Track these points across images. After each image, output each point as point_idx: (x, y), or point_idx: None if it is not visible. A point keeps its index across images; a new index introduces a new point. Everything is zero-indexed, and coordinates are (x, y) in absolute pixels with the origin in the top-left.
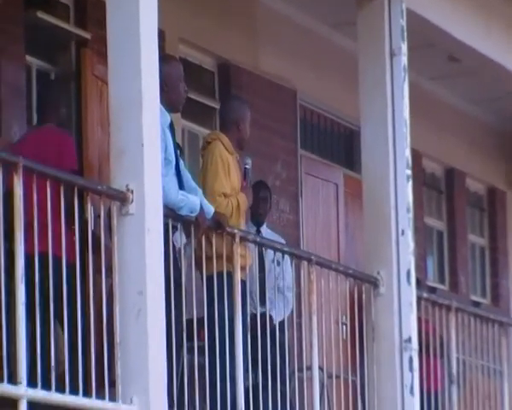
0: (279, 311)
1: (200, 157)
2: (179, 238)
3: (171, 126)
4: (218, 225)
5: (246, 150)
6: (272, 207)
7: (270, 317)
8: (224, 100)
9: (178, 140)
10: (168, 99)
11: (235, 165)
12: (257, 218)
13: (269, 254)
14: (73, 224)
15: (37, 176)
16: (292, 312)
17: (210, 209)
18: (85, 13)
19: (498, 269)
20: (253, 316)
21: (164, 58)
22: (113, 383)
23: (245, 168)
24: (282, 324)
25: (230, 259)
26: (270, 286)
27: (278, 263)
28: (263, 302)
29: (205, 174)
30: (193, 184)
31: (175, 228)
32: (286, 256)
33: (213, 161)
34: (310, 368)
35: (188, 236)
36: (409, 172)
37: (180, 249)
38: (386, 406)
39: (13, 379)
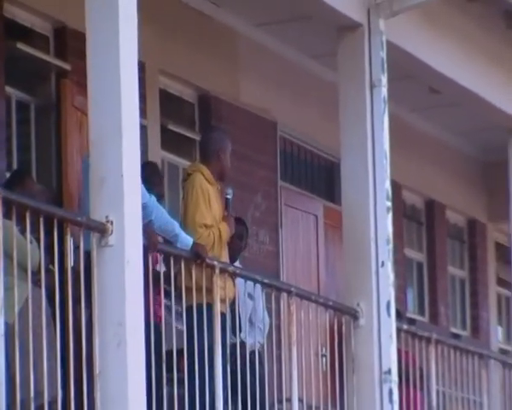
0: (251, 339)
1: (181, 189)
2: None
3: None
4: (197, 256)
5: (226, 181)
6: (252, 239)
7: (244, 343)
8: (205, 131)
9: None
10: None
11: (216, 195)
12: (231, 253)
13: (241, 286)
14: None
15: (16, 207)
16: (271, 343)
17: (189, 241)
18: (65, 44)
19: (478, 301)
20: (232, 346)
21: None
22: None
23: (226, 198)
24: (261, 355)
25: (210, 291)
26: (243, 318)
27: (251, 297)
28: (235, 333)
29: (186, 206)
30: (169, 218)
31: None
32: (258, 290)
33: (194, 193)
34: (289, 400)
35: (167, 267)
36: (389, 203)
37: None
38: None
39: None
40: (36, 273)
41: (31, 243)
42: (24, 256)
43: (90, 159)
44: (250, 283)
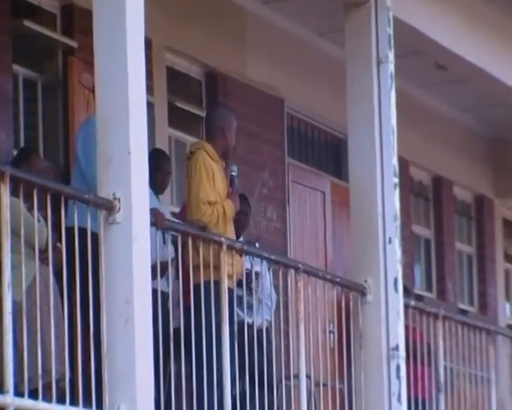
0: (259, 317)
1: (186, 167)
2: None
3: None
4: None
5: (233, 158)
6: (259, 216)
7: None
8: (210, 108)
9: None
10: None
11: (220, 172)
12: (236, 230)
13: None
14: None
15: (23, 185)
16: (279, 319)
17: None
18: (72, 21)
19: (486, 277)
20: (240, 323)
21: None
22: (100, 392)
23: (231, 175)
24: (268, 332)
25: (217, 267)
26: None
27: (256, 277)
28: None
29: (189, 183)
30: None
31: None
32: (265, 269)
33: (197, 170)
34: (297, 376)
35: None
36: (396, 180)
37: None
38: None
39: (0, 388)
40: (43, 251)
41: (38, 221)
42: (31, 234)
43: (96, 136)
44: (257, 260)
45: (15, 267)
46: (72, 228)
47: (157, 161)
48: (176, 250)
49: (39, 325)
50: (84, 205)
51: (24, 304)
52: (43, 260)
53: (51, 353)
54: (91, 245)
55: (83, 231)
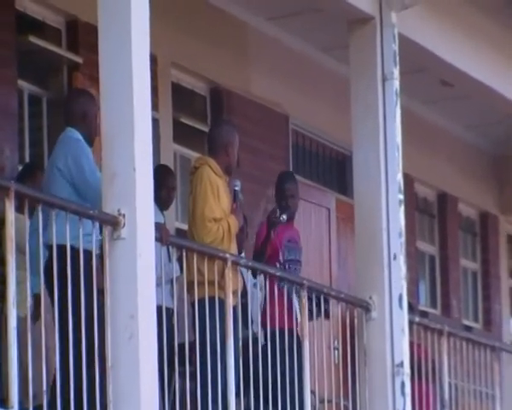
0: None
1: (189, 183)
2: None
3: None
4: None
5: (238, 174)
6: None
7: (257, 339)
8: (213, 124)
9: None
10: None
11: (224, 188)
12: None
13: (250, 278)
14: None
15: (29, 201)
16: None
17: None
18: (77, 37)
19: (490, 293)
20: (244, 339)
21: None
22: (104, 407)
23: (234, 190)
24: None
25: (221, 284)
26: (254, 310)
27: (256, 286)
28: (247, 326)
29: (194, 199)
30: None
31: None
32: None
33: (202, 186)
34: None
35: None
36: (401, 196)
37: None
38: None
39: (4, 404)
40: None
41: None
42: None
43: (101, 152)
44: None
45: (20, 283)
46: (63, 246)
47: (161, 176)
48: (181, 267)
49: (44, 341)
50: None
51: (29, 320)
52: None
53: (56, 369)
54: (86, 263)
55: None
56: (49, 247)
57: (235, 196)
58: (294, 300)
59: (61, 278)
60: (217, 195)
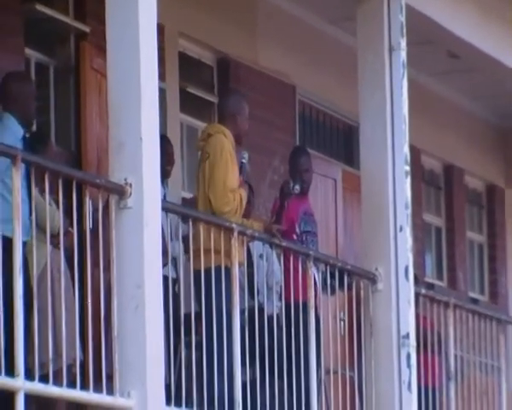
0: (270, 305)
1: (199, 149)
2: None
3: (24, 139)
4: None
5: (244, 144)
6: (270, 202)
7: (263, 310)
8: (223, 94)
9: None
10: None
11: (235, 158)
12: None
13: (256, 249)
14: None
15: (35, 169)
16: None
17: None
18: (84, 6)
19: (496, 266)
20: (249, 310)
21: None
22: (110, 377)
23: (241, 163)
24: (279, 319)
25: (228, 253)
26: (260, 281)
27: (262, 257)
28: (253, 297)
29: (213, 167)
30: None
31: None
32: (273, 252)
33: (223, 155)
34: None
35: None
36: (407, 168)
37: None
38: (384, 402)
39: (10, 372)
40: (55, 236)
41: (50, 205)
42: (43, 218)
43: (108, 121)
44: (259, 244)
45: (27, 252)
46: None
47: (161, 147)
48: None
49: (51, 310)
50: None
51: (35, 289)
52: (56, 245)
53: (62, 338)
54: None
55: None
56: None
57: (241, 169)
58: (315, 273)
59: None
60: (233, 165)
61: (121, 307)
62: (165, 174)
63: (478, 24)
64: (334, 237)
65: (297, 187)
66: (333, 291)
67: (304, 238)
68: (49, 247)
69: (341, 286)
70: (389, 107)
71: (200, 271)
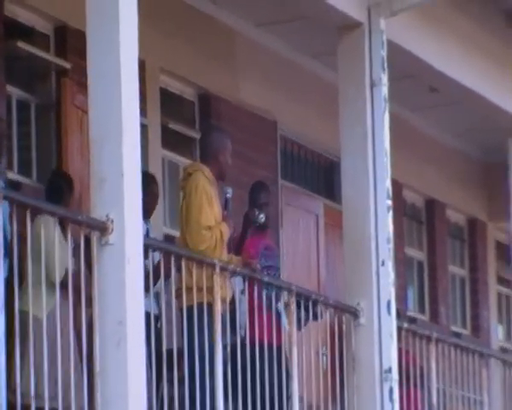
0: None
1: (180, 188)
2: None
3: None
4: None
5: (226, 180)
6: None
7: (245, 345)
8: (204, 131)
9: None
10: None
11: (216, 195)
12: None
13: (238, 284)
14: None
15: (16, 206)
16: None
17: None
18: (65, 42)
19: (479, 300)
20: (232, 345)
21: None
22: None
23: (226, 198)
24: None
25: (210, 290)
26: (242, 316)
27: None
28: (235, 333)
29: (188, 206)
30: None
31: None
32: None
33: (198, 194)
34: (290, 398)
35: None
36: (389, 202)
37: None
38: None
39: None
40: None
41: None
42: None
43: (90, 157)
44: (241, 280)
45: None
46: None
47: (145, 184)
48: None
49: (32, 347)
50: None
51: (17, 326)
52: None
53: (44, 375)
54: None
55: None
56: None
57: (226, 204)
58: (281, 310)
59: None
60: (210, 202)
61: (103, 343)
62: (147, 213)
63: (459, 58)
64: (316, 271)
65: (262, 215)
66: (304, 323)
67: (265, 273)
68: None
69: (315, 317)
70: (370, 141)
71: (182, 309)
